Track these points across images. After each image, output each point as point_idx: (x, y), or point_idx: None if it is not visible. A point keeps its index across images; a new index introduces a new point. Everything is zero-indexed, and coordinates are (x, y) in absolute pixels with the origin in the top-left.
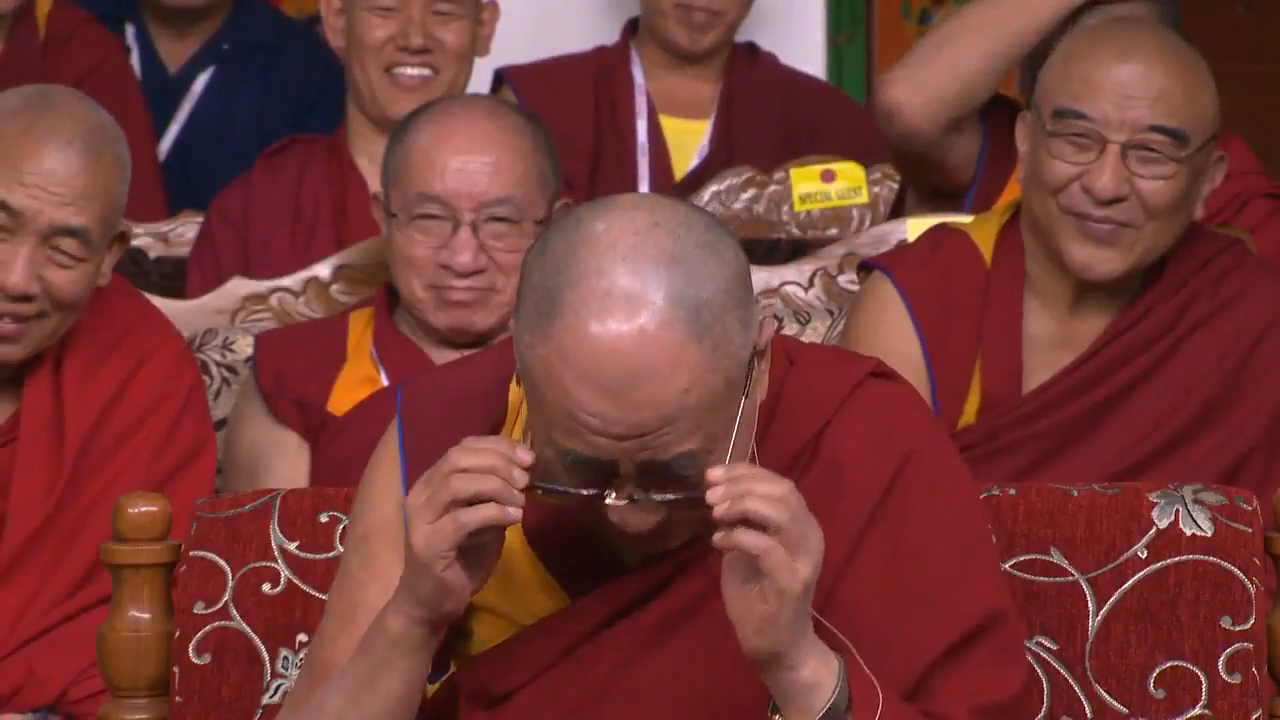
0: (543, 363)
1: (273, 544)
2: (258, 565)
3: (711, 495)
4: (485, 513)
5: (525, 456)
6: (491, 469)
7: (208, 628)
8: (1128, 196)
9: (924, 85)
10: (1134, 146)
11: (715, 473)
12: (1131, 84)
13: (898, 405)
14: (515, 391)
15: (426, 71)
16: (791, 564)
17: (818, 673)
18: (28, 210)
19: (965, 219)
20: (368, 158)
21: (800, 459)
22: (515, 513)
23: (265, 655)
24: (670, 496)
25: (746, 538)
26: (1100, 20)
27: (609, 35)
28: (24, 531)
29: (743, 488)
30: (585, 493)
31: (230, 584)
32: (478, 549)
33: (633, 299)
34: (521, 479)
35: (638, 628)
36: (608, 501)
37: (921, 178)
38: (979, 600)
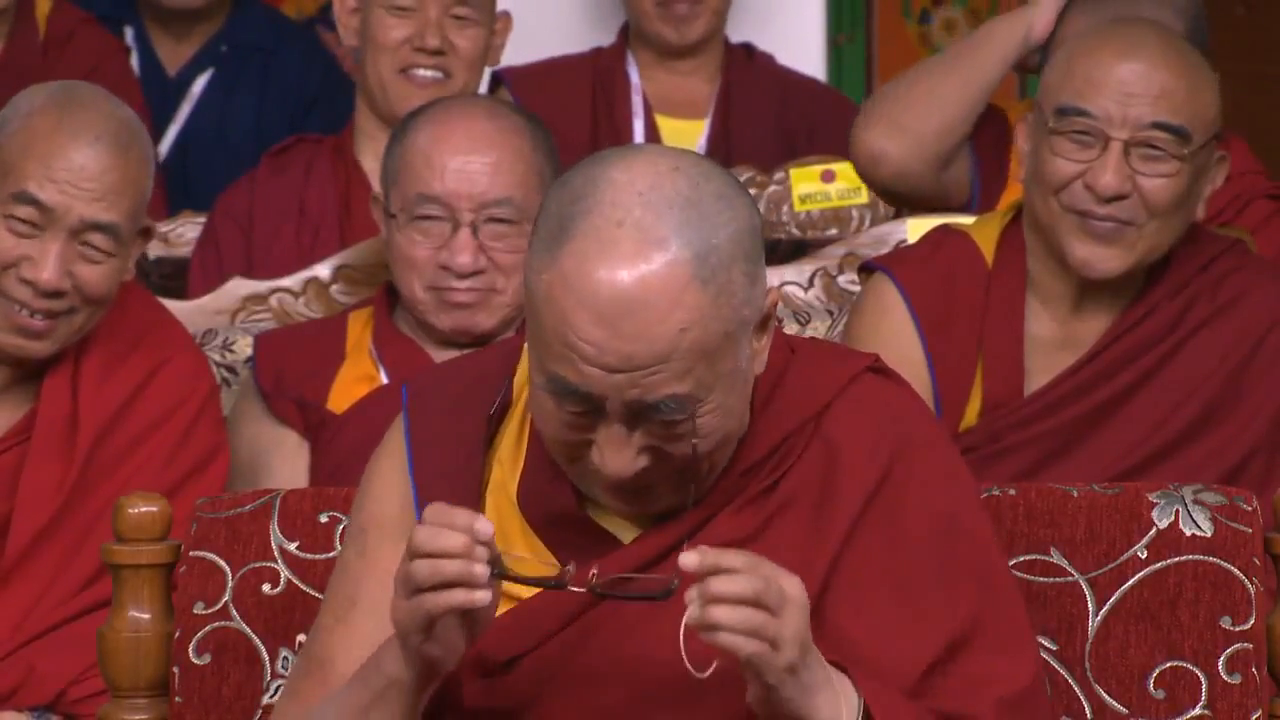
0: (546, 288)
1: (273, 544)
2: (258, 565)
3: (687, 595)
4: (451, 599)
5: (486, 529)
6: (450, 552)
7: (208, 628)
8: (1130, 194)
9: (902, 124)
10: (1136, 144)
11: (689, 559)
12: (1134, 81)
13: (895, 398)
14: (519, 378)
15: (439, 74)
16: (774, 656)
17: (835, 709)
18: (59, 206)
19: (967, 219)
20: (373, 157)
21: (799, 438)
22: (482, 595)
23: (265, 655)
24: (653, 435)
25: (728, 639)
26: (1104, 20)
27: (603, 37)
28: (30, 530)
29: (710, 592)
30: (572, 406)
31: (230, 584)
32: (466, 617)
33: (642, 233)
34: (484, 555)
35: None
36: (595, 436)
37: (917, 207)
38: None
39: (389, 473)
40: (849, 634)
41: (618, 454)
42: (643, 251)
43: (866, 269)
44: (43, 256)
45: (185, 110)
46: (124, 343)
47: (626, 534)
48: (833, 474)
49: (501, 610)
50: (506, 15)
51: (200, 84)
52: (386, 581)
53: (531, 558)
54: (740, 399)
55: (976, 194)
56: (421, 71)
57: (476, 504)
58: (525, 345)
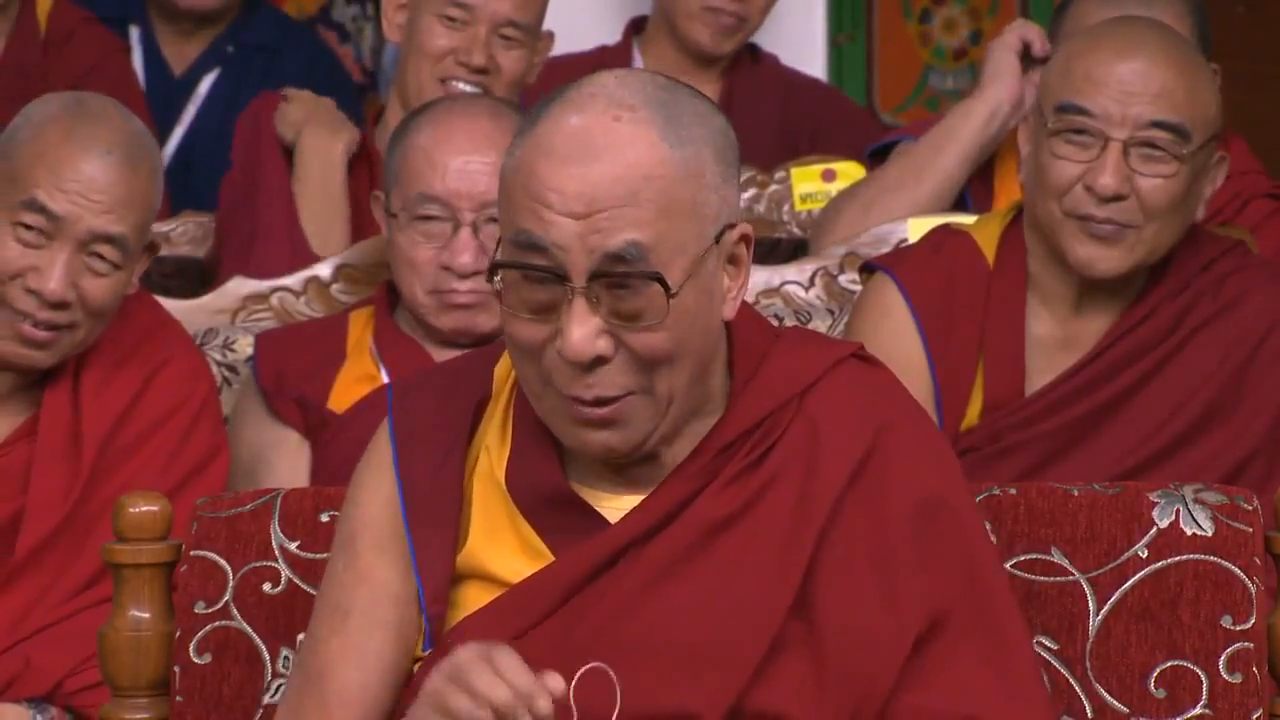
0: (518, 160)
1: (273, 543)
2: (258, 565)
3: None
4: None
5: (545, 706)
6: (511, 708)
7: (208, 627)
8: (1128, 195)
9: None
10: (1136, 144)
11: None
12: (1133, 80)
13: (878, 383)
14: (500, 370)
15: (478, 91)
16: None
17: None
18: (68, 216)
19: (968, 219)
20: None
21: (783, 415)
22: None
23: (266, 655)
24: (616, 271)
25: None
26: (1102, 25)
27: (610, 35)
28: (40, 533)
29: None
30: (541, 266)
31: (231, 583)
32: None
33: (614, 99)
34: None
35: (623, 581)
36: (570, 285)
37: None
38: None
39: (374, 479)
40: (834, 611)
41: (579, 326)
42: (612, 110)
43: (868, 269)
44: (49, 267)
45: (191, 110)
46: (124, 348)
47: (613, 513)
48: (816, 452)
49: (491, 596)
50: (549, 33)
51: (206, 84)
52: (377, 590)
53: None
54: (703, 310)
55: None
56: (461, 85)
57: (459, 492)
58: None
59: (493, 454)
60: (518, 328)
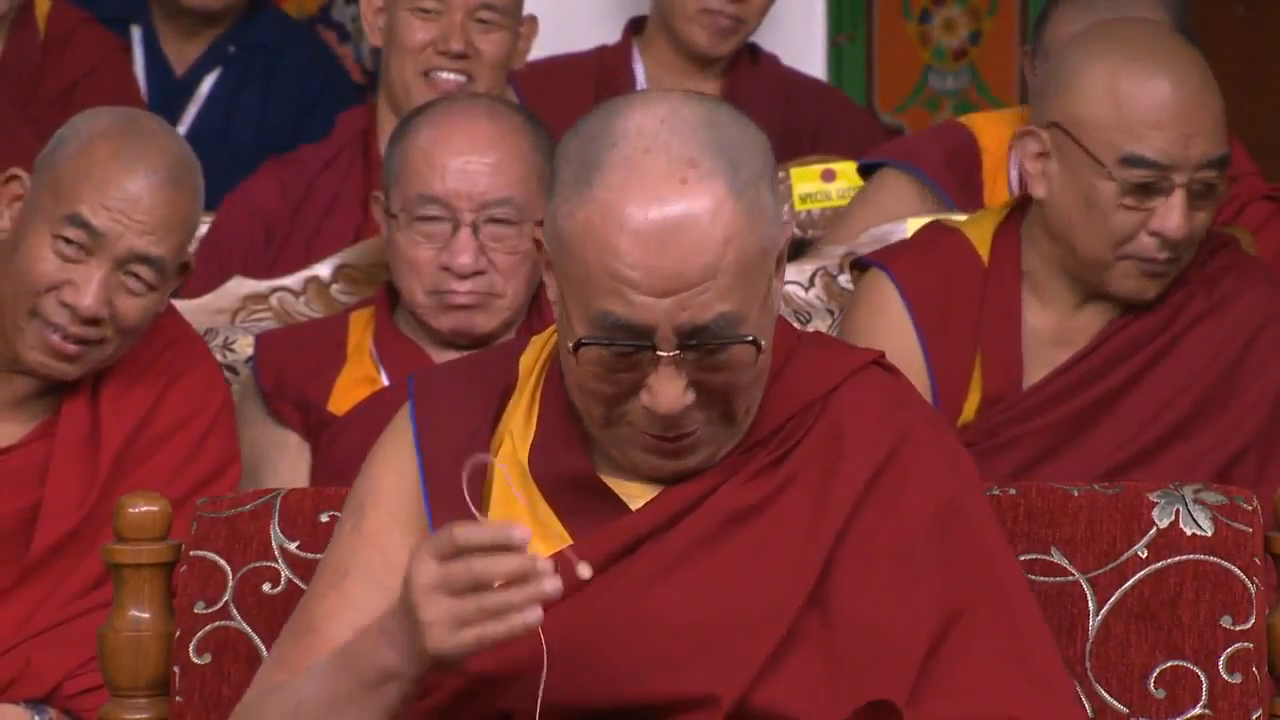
0: (583, 225)
1: (273, 544)
2: (258, 565)
3: None
4: (512, 626)
5: (524, 533)
6: (519, 575)
7: (208, 627)
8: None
9: None
10: (1196, 183)
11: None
12: (1189, 118)
13: (899, 390)
14: (526, 359)
15: (462, 78)
16: None
17: None
18: (110, 233)
19: (960, 216)
20: None
21: (806, 416)
22: (536, 617)
23: (266, 655)
24: (711, 344)
25: None
26: (1126, 45)
27: (611, 35)
28: (54, 536)
29: None
30: (631, 344)
31: (230, 584)
32: None
33: (672, 155)
34: (548, 584)
35: (641, 566)
36: (658, 353)
37: None
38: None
39: (391, 454)
40: (850, 608)
41: (669, 388)
42: (677, 171)
43: (860, 266)
44: (86, 282)
45: (192, 110)
46: (146, 358)
47: (635, 500)
48: (838, 453)
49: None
50: (532, 19)
51: (208, 84)
52: (381, 554)
53: None
54: (770, 329)
55: None
56: (444, 74)
57: (482, 475)
58: (533, 337)
59: (516, 438)
60: (595, 385)
